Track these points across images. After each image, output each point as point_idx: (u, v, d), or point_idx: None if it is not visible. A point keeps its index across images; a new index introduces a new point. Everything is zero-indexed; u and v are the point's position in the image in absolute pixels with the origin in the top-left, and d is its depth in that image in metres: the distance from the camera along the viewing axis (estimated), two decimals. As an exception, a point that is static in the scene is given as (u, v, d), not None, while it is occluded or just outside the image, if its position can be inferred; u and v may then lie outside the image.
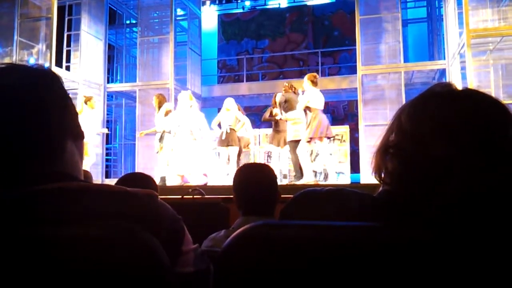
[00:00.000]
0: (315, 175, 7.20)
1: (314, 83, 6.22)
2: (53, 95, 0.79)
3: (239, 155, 7.12)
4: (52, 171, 0.76)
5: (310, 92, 6.15)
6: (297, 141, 6.28)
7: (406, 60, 9.43)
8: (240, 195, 1.99)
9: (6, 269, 0.62)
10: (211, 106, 12.10)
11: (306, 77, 6.35)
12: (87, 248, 0.63)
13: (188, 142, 6.74)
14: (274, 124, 7.09)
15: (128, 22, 11.75)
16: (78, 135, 0.83)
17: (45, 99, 0.77)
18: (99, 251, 0.63)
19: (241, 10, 14.74)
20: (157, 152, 7.39)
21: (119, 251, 0.64)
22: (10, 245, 0.63)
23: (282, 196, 2.02)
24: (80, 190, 0.73)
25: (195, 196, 3.64)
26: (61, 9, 9.07)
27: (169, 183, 6.85)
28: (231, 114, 7.00)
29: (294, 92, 6.79)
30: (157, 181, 6.48)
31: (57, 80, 0.82)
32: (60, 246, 0.63)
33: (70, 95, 0.85)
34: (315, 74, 6.48)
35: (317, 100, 6.12)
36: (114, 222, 0.67)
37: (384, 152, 0.76)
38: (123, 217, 0.69)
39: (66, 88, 0.84)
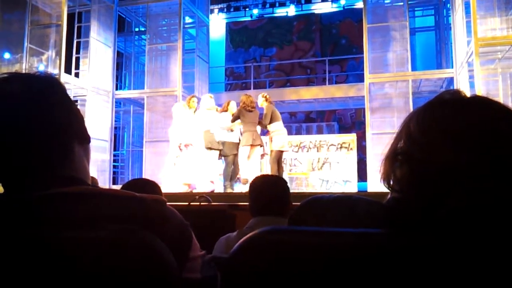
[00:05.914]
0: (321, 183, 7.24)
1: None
2: (58, 100, 0.80)
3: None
4: (62, 175, 0.76)
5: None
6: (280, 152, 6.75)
7: (413, 68, 9.40)
8: (255, 202, 2.09)
9: (17, 270, 0.62)
10: (218, 113, 12.12)
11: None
12: (95, 251, 0.63)
13: (196, 150, 6.76)
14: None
15: (137, 29, 11.86)
16: (84, 139, 0.84)
17: (51, 105, 0.78)
18: (107, 254, 0.63)
19: (249, 18, 14.81)
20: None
21: (127, 255, 0.64)
22: (21, 247, 0.63)
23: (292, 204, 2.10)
24: (89, 194, 0.73)
25: (201, 203, 3.64)
26: (71, 16, 9.18)
27: (175, 190, 6.83)
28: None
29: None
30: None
31: (60, 85, 0.83)
32: (69, 249, 0.63)
33: (79, 101, 0.86)
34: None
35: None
36: (122, 226, 0.67)
37: (393, 159, 0.76)
38: (131, 221, 0.70)
39: (74, 95, 0.85)
